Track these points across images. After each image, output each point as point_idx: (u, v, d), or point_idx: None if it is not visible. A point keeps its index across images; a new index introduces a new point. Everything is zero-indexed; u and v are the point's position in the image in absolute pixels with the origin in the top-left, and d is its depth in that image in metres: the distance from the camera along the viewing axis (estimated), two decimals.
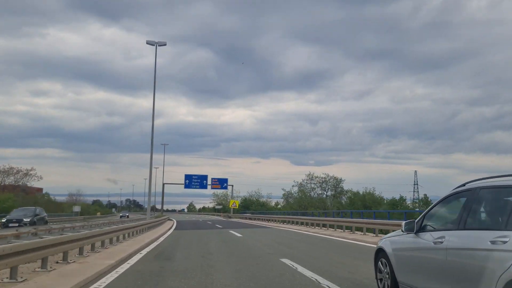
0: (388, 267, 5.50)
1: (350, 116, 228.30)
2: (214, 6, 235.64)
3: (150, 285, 7.19)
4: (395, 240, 5.51)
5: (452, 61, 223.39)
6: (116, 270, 8.96)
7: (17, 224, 26.32)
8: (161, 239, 18.59)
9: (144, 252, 12.64)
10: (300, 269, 8.69)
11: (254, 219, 48.72)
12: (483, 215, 4.19)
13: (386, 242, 5.74)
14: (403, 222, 5.23)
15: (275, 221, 38.97)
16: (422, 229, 4.87)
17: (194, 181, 66.21)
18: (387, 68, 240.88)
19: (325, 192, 69.56)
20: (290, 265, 9.32)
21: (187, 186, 66.21)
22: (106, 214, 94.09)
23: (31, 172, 70.54)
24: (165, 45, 32.77)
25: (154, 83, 32.17)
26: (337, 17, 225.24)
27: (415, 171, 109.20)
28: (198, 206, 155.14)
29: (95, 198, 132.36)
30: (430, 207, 5.06)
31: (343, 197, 64.69)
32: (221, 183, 69.49)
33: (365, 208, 47.01)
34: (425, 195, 63.64)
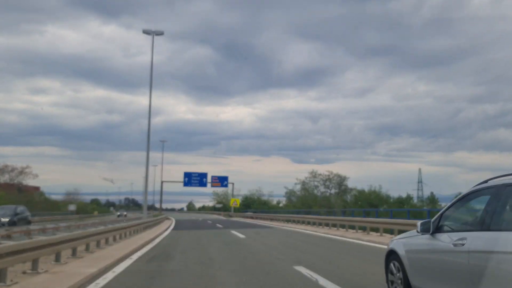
0: (400, 270, 5.19)
1: (352, 113, 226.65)
2: (214, 2, 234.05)
3: None
4: (409, 241, 5.20)
5: (455, 58, 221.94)
6: (97, 281, 7.31)
7: None
8: (157, 240, 16.94)
9: (134, 257, 10.96)
10: (322, 281, 7.03)
11: (256, 218, 47.06)
12: (510, 215, 3.79)
13: (398, 243, 5.42)
14: (419, 223, 4.86)
15: (279, 220, 37.36)
16: (438, 229, 4.57)
17: (194, 179, 64.52)
18: (389, 65, 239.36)
19: (328, 190, 67.95)
20: (308, 275, 7.65)
21: (186, 184, 64.55)
22: (104, 213, 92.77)
23: (26, 170, 69.21)
24: (162, 34, 31.06)
25: (150, 74, 30.47)
26: (338, 13, 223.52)
27: (419, 169, 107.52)
28: (197, 205, 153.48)
29: (93, 197, 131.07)
30: (447, 206, 4.74)
31: (348, 195, 63.05)
32: (221, 181, 67.77)
33: (371, 206, 45.37)
34: (432, 193, 62.29)
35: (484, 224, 3.87)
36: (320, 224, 24.96)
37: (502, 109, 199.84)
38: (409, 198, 57.34)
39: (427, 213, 17.57)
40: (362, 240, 15.39)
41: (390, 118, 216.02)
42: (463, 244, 3.96)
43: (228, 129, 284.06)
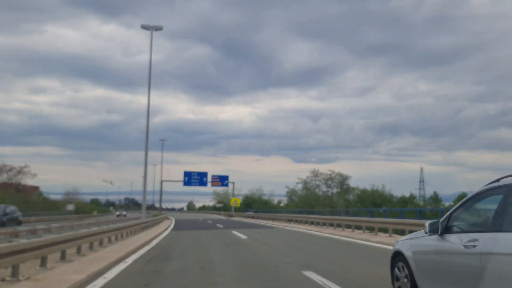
0: (407, 272, 5.02)
1: (352, 113, 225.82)
2: (213, 1, 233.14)
3: None
4: (416, 242, 5.05)
5: (455, 56, 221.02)
6: None
7: None
8: (155, 241, 16.14)
9: (129, 260, 10.15)
10: None
11: (257, 218, 46.24)
12: None
13: (404, 244, 5.26)
14: (427, 223, 4.67)
15: (280, 220, 36.55)
16: (447, 230, 4.41)
17: (194, 178, 63.58)
18: (389, 64, 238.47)
19: (330, 190, 67.09)
20: (320, 282, 6.85)
21: (186, 183, 63.63)
22: (103, 212, 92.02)
23: (25, 170, 68.58)
24: (161, 29, 30.26)
25: (149, 69, 29.66)
26: (338, 12, 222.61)
27: (421, 168, 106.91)
28: (198, 205, 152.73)
29: (93, 197, 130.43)
30: (456, 205, 4.55)
31: (350, 195, 62.21)
32: (222, 180, 66.84)
33: (375, 206, 44.57)
34: (435, 192, 61.47)
35: (496, 224, 3.72)
36: (324, 224, 24.17)
37: (503, 108, 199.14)
38: (412, 197, 56.60)
39: (440, 213, 16.72)
40: (371, 242, 14.58)
41: (390, 118, 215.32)
42: (474, 246, 3.78)
43: (228, 129, 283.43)
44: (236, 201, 65.32)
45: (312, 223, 26.60)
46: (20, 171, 68.20)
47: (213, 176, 65.27)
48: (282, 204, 77.85)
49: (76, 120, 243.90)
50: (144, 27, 30.10)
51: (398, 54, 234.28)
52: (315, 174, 68.20)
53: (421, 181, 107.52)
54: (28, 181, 68.93)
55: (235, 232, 21.24)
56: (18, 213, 29.40)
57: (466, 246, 3.90)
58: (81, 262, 9.38)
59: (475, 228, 4.26)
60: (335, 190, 67.55)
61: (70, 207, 58.78)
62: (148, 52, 29.75)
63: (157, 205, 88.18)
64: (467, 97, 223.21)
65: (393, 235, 15.85)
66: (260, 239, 17.15)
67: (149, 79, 29.55)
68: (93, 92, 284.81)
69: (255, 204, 75.30)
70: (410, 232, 14.56)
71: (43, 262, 8.18)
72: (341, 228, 21.29)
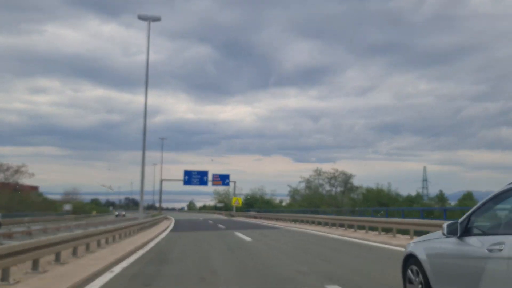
0: (421, 276, 4.67)
1: (353, 112, 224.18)
2: (214, 0, 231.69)
3: None
4: (431, 244, 4.66)
5: (456, 56, 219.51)
6: None
7: None
8: (151, 244, 14.65)
9: (117, 269, 8.63)
10: None
11: (260, 218, 44.70)
12: None
13: (418, 246, 4.90)
14: (445, 224, 4.26)
15: (284, 220, 35.03)
16: (467, 232, 4.07)
17: (194, 177, 61.98)
18: (390, 63, 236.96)
19: (334, 188, 65.52)
20: None
21: (186, 182, 62.05)
22: (103, 212, 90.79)
23: (22, 169, 67.29)
24: (159, 20, 28.74)
25: (146, 61, 28.14)
26: (338, 11, 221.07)
27: (424, 167, 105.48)
28: (198, 204, 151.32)
29: (94, 197, 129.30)
30: (477, 205, 4.16)
31: (354, 194, 60.65)
32: (223, 179, 65.19)
33: (381, 205, 43.05)
34: (441, 191, 59.91)
35: None
36: (333, 225, 22.64)
37: (503, 108, 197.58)
38: (419, 196, 55.14)
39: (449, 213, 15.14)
40: (391, 245, 13.06)
41: (391, 117, 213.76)
42: (500, 250, 3.48)
43: (228, 129, 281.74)
44: (237, 201, 63.79)
45: (319, 223, 25.08)
46: (17, 171, 66.96)
47: (213, 175, 63.73)
48: (284, 204, 76.34)
49: (76, 120, 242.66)
50: (141, 17, 28.59)
51: (398, 54, 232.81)
52: (318, 173, 66.73)
53: (424, 180, 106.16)
54: (26, 181, 67.80)
55: (238, 234, 19.74)
56: None
57: (490, 250, 3.59)
58: (56, 274, 7.83)
59: (499, 231, 3.85)
60: (338, 189, 66.05)
61: (67, 207, 57.42)
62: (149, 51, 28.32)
63: (157, 205, 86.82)
64: (468, 96, 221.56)
65: (415, 237, 14.31)
66: (267, 241, 15.64)
67: (147, 71, 28.05)
68: (93, 92, 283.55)
69: (257, 204, 73.75)
70: None
71: (5, 275, 6.63)
72: (352, 229, 19.75)
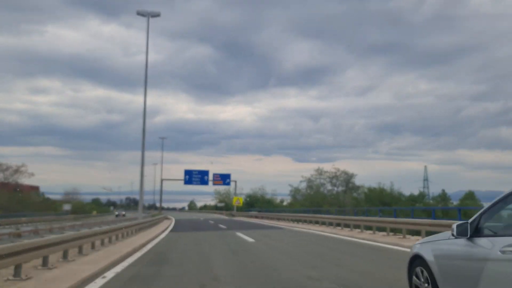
0: (428, 278, 4.54)
1: (353, 112, 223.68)
2: (214, 0, 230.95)
3: None
4: (438, 246, 4.52)
5: (456, 56, 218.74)
6: None
7: None
8: (149, 246, 13.98)
9: (110, 274, 7.94)
10: None
11: (261, 218, 44.01)
12: None
13: (425, 247, 4.74)
14: (454, 225, 4.10)
15: (286, 220, 34.34)
16: (477, 233, 3.94)
17: (195, 176, 61.27)
18: (390, 63, 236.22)
19: (335, 188, 64.81)
20: None
21: (187, 182, 61.35)
22: (103, 212, 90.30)
23: (22, 169, 66.82)
24: (158, 15, 28.04)
25: (146, 61, 27.46)
26: (338, 11, 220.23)
27: (425, 167, 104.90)
28: (199, 204, 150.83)
29: (94, 196, 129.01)
30: (488, 205, 4.01)
31: (356, 193, 59.95)
32: (223, 179, 64.48)
33: (384, 205, 42.35)
34: (443, 190, 59.20)
35: None
36: (338, 225, 21.94)
37: (503, 108, 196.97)
38: (422, 196, 54.44)
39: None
40: (403, 247, 12.36)
41: (391, 117, 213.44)
42: None
43: (228, 129, 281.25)
44: (238, 200, 63.11)
45: (323, 223, 24.38)
46: (16, 171, 66.52)
47: (214, 175, 63.07)
48: (285, 203, 75.67)
49: (76, 120, 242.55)
50: (140, 13, 27.91)
51: (398, 54, 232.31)
52: (320, 172, 65.99)
53: (425, 179, 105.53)
54: (26, 181, 67.38)
55: (240, 234, 19.06)
56: None
57: (503, 252, 3.47)
58: (41, 279, 7.16)
59: None
60: (340, 189, 65.34)
61: (67, 207, 56.78)
62: (149, 51, 27.66)
63: (158, 204, 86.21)
64: (468, 96, 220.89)
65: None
66: (271, 243, 14.96)
67: (146, 69, 27.37)
68: (93, 92, 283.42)
69: (257, 203, 73.05)
70: None
71: None
72: (358, 230, 19.05)
